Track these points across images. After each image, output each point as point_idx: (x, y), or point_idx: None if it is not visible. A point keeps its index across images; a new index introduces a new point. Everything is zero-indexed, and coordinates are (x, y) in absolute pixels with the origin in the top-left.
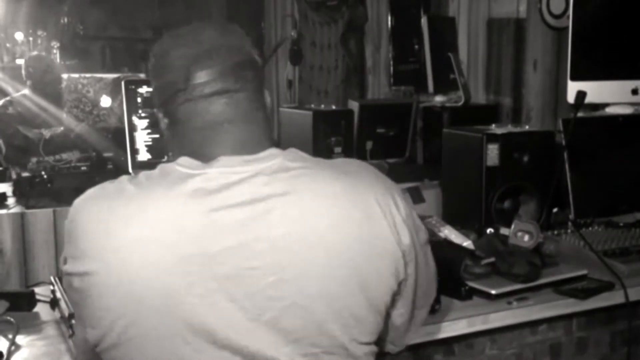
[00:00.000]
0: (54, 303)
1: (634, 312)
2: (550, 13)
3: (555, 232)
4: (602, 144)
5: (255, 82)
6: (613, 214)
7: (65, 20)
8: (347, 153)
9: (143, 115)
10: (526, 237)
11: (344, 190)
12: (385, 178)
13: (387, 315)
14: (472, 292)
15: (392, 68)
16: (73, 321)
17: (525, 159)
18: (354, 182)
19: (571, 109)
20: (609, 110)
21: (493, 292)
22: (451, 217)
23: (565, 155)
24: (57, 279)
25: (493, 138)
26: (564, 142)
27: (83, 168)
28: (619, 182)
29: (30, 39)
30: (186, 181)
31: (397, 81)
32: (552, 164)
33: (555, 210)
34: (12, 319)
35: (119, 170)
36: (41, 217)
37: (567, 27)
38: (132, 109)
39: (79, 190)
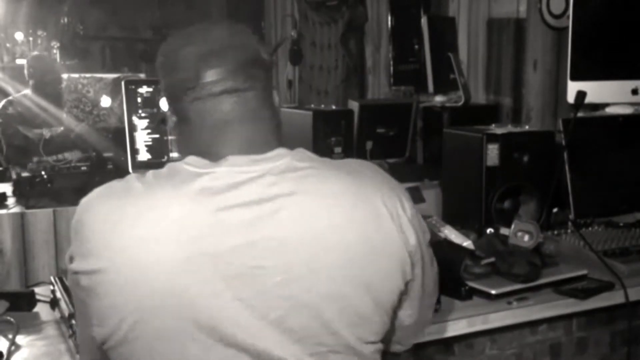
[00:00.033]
0: (54, 303)
1: (634, 312)
2: (550, 13)
3: (555, 232)
4: (602, 144)
5: (264, 82)
6: (613, 214)
7: (65, 20)
8: (347, 153)
9: (143, 115)
10: (526, 237)
11: (351, 190)
12: (390, 179)
13: (394, 315)
14: (472, 292)
15: (392, 68)
16: (73, 321)
17: (525, 159)
18: (360, 182)
19: (571, 109)
20: (609, 110)
21: (493, 292)
22: (451, 217)
23: (565, 155)
24: (57, 279)
25: (493, 138)
26: (564, 142)
27: (83, 168)
28: (619, 182)
29: (30, 39)
30: (194, 180)
31: (397, 81)
32: (552, 164)
33: (555, 210)
34: (12, 319)
35: (119, 170)
36: (41, 217)
37: (567, 27)
38: (132, 109)
39: (79, 190)
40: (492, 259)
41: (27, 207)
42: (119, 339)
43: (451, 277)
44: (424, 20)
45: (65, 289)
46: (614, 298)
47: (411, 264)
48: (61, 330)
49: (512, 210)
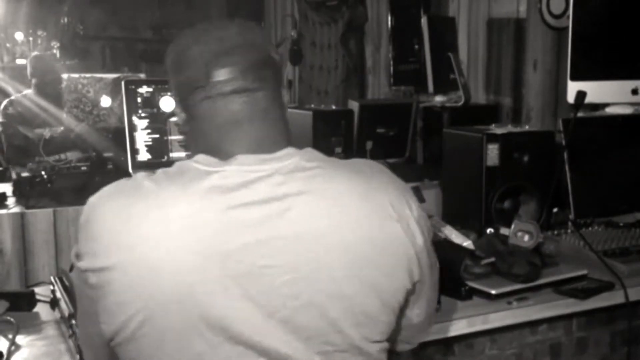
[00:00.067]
0: (54, 303)
1: (634, 312)
2: (550, 13)
3: (555, 232)
4: (602, 144)
5: (273, 82)
6: (613, 214)
7: (65, 20)
8: (347, 153)
9: (143, 115)
10: (526, 237)
11: (358, 190)
12: (397, 179)
13: (402, 315)
14: (472, 292)
15: (392, 68)
16: (73, 321)
17: (525, 159)
18: (368, 182)
19: (571, 109)
20: (609, 110)
21: (493, 292)
22: (451, 217)
23: (565, 155)
24: (57, 279)
25: (493, 138)
26: (564, 142)
27: (83, 168)
28: (619, 182)
29: (30, 39)
30: (204, 178)
31: (397, 81)
32: (552, 164)
33: (555, 210)
34: (12, 319)
35: (119, 170)
36: (41, 217)
37: (567, 27)
38: (132, 109)
39: (79, 190)
40: (492, 259)
41: (27, 207)
42: (127, 336)
43: (451, 277)
44: (424, 20)
45: (65, 289)
46: (614, 298)
47: (418, 264)
48: (61, 330)
49: (512, 210)
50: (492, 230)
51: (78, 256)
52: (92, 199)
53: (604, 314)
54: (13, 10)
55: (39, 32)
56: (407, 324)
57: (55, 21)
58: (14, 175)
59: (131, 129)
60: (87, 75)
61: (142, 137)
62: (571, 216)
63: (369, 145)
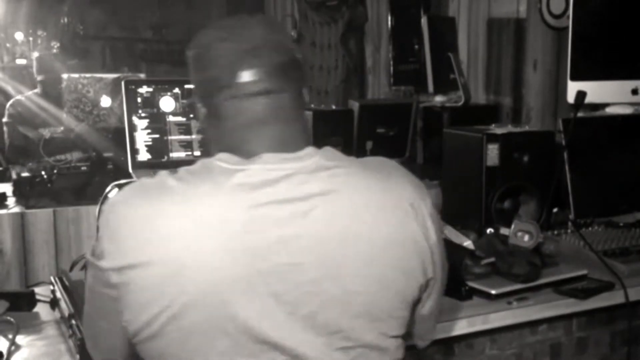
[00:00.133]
0: (54, 303)
1: (634, 312)
2: (550, 13)
3: (555, 232)
4: (602, 144)
5: (297, 83)
6: (613, 214)
7: (65, 20)
8: (347, 153)
9: (143, 115)
10: (526, 237)
11: (378, 188)
12: (413, 177)
13: (415, 311)
14: (472, 292)
15: (392, 68)
16: (73, 321)
17: (525, 159)
18: (386, 180)
19: (571, 109)
20: (609, 110)
21: (493, 292)
22: (451, 217)
23: (565, 155)
24: (57, 279)
25: (493, 138)
26: (564, 142)
27: (83, 168)
28: (619, 182)
29: (30, 39)
30: (230, 176)
31: (397, 81)
32: (552, 164)
33: (555, 210)
34: (12, 319)
35: (119, 170)
36: (41, 217)
37: (567, 27)
38: (132, 109)
39: (79, 190)
40: (492, 259)
41: (27, 207)
42: (151, 333)
43: (451, 277)
44: (424, 20)
45: (65, 288)
46: (614, 298)
47: (432, 261)
48: (61, 330)
49: (512, 210)
50: (492, 230)
51: (98, 255)
52: (115, 198)
53: (604, 314)
54: (13, 10)
55: (39, 32)
56: (420, 320)
57: (55, 21)
58: (14, 175)
59: (131, 129)
60: (87, 75)
61: (142, 137)
62: (571, 216)
63: (369, 145)
